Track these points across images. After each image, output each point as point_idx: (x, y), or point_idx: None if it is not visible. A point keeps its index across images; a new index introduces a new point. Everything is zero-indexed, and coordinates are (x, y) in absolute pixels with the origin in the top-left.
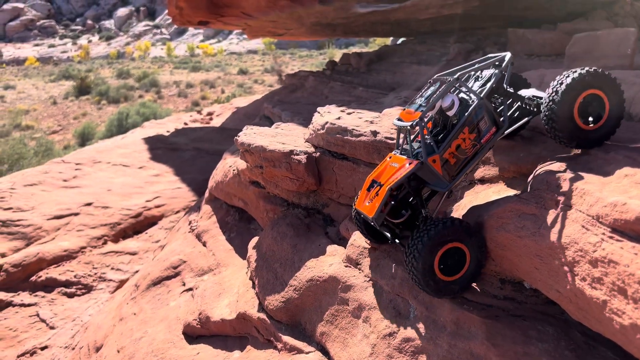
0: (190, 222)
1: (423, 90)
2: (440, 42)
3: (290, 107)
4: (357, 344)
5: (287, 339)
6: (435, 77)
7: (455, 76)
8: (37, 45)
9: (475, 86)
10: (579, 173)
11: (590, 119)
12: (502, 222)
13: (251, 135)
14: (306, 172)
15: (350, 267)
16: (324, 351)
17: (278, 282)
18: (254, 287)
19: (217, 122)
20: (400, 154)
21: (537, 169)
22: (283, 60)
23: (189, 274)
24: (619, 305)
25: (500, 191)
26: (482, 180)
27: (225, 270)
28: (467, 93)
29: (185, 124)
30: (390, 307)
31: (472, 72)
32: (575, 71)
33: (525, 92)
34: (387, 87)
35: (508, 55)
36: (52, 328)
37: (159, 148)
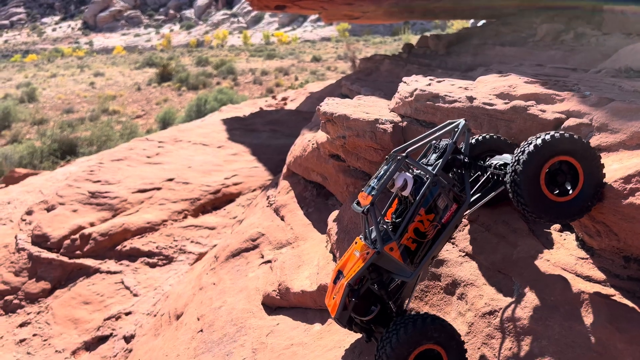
0: (268, 197)
1: (378, 170)
2: (526, 22)
3: (369, 84)
4: (451, 322)
5: None
6: (391, 152)
7: (405, 153)
8: (124, 34)
9: (433, 159)
10: None
11: (564, 188)
12: (631, 188)
13: (333, 105)
14: (392, 142)
15: None
16: None
17: None
18: (334, 259)
19: (291, 107)
20: (365, 240)
21: None
22: (356, 47)
23: (268, 247)
24: None
25: (622, 159)
26: (599, 149)
27: (303, 244)
28: (420, 170)
29: (261, 108)
30: (489, 284)
31: (433, 143)
32: (539, 137)
33: (498, 159)
34: (468, 69)
35: (462, 123)
36: (135, 295)
37: (237, 129)
